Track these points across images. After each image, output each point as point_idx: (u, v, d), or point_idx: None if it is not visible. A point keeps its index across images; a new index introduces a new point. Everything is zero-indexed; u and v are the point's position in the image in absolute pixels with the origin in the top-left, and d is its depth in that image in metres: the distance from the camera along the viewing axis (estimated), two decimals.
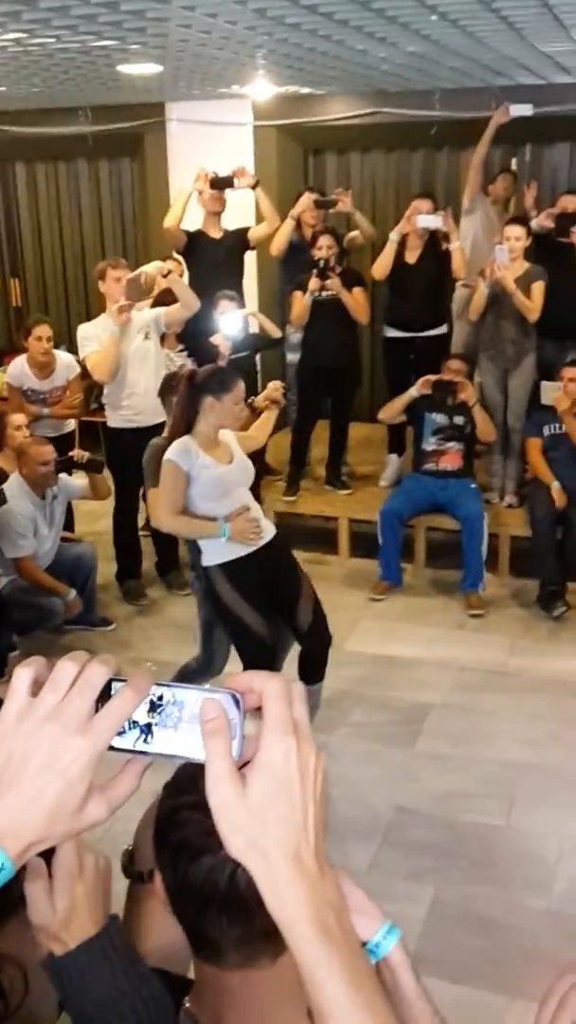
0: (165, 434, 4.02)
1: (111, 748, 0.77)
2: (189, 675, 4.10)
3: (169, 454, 3.74)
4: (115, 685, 0.77)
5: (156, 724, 0.78)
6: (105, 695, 0.76)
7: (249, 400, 4.11)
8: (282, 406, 4.48)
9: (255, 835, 0.74)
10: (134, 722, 0.78)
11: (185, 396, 3.79)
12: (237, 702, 0.77)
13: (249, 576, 3.79)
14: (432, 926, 3.26)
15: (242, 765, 0.76)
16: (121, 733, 0.77)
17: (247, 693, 0.77)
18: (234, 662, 4.07)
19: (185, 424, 3.78)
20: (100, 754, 0.76)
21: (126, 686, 0.76)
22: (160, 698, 0.78)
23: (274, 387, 4.35)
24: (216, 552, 3.79)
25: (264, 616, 3.83)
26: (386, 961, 1.23)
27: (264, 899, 0.75)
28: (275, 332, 6.03)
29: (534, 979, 2.99)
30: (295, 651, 4.11)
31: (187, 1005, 1.13)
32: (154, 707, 0.78)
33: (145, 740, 0.78)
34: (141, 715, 0.78)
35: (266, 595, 3.87)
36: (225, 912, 1.03)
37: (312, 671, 4.04)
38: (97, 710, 0.75)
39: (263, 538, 3.83)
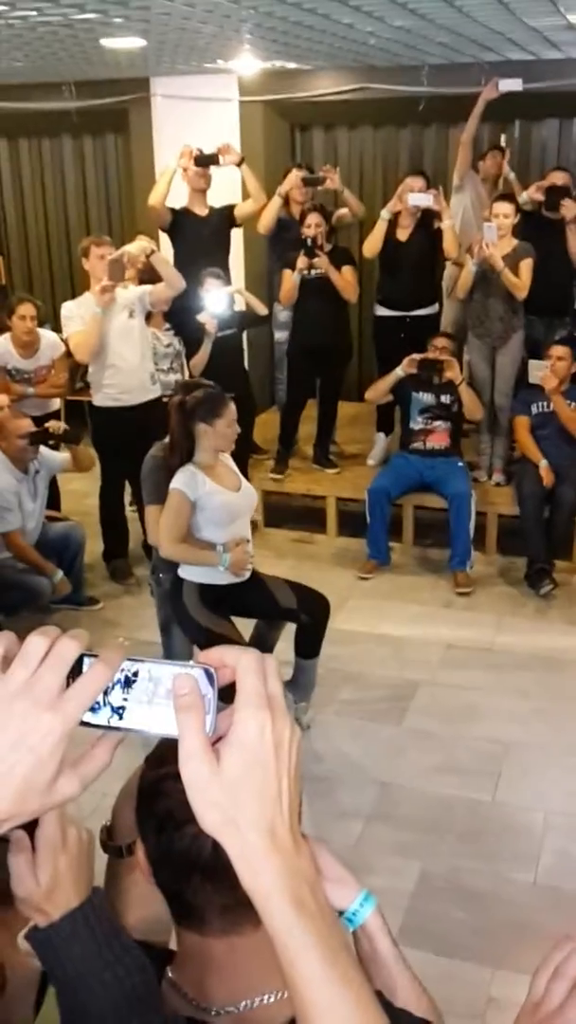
0: (158, 451, 3.99)
1: (85, 724, 0.76)
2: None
3: (176, 483, 3.73)
4: (87, 661, 0.76)
5: (130, 699, 0.77)
6: (77, 671, 0.75)
7: None
8: None
9: (229, 810, 0.74)
10: (107, 697, 0.77)
11: (178, 424, 3.77)
12: (211, 677, 0.76)
13: (222, 600, 3.86)
14: (419, 900, 3.29)
15: (216, 740, 0.75)
16: (95, 709, 0.76)
17: (221, 668, 0.77)
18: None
19: (184, 451, 3.77)
20: (72, 730, 0.75)
21: (97, 661, 0.75)
22: (135, 674, 0.77)
23: None
24: (198, 572, 3.82)
25: (228, 622, 3.89)
26: (364, 929, 1.25)
27: (238, 873, 0.75)
28: (261, 309, 6.00)
29: (519, 951, 3.03)
30: (289, 629, 4.12)
31: (169, 975, 1.14)
32: (128, 683, 0.77)
33: (119, 716, 0.77)
34: (115, 691, 0.77)
35: (237, 611, 3.95)
36: (209, 880, 1.03)
37: (307, 646, 4.06)
38: (69, 686, 0.74)
39: (248, 572, 3.86)
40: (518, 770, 3.96)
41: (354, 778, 3.93)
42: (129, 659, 0.77)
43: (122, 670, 0.77)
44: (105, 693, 0.77)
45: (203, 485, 3.73)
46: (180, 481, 3.72)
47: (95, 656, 0.76)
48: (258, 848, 0.74)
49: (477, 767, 3.99)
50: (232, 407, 3.81)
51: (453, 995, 2.75)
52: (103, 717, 0.77)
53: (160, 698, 0.76)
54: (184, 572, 3.87)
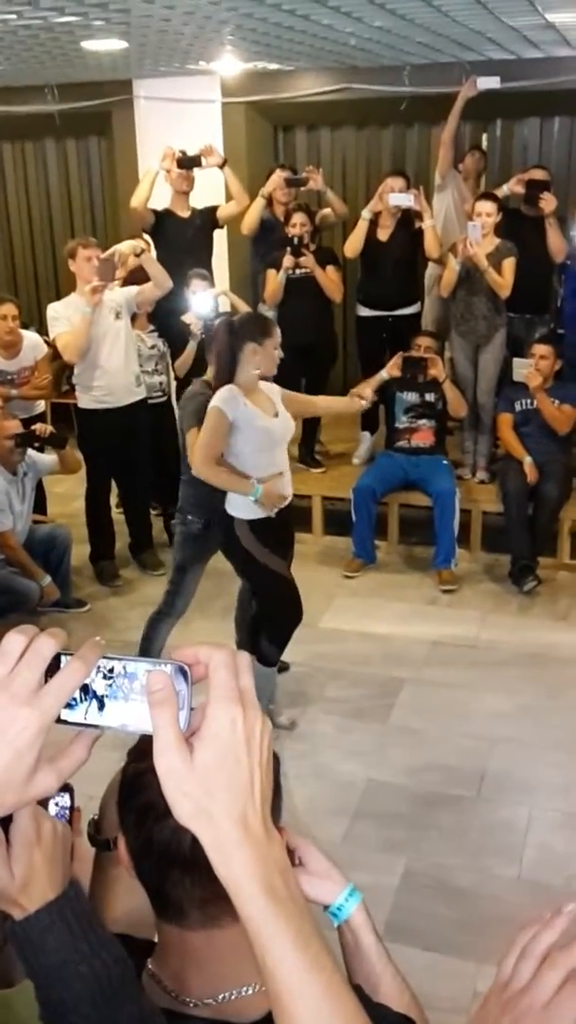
0: (199, 387, 4.08)
1: (63, 722, 0.78)
2: (156, 621, 4.32)
3: (216, 401, 3.74)
4: (64, 659, 0.78)
5: (106, 696, 0.79)
6: (55, 668, 0.77)
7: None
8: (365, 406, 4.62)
9: (202, 801, 0.76)
10: (85, 695, 0.79)
11: (225, 344, 3.79)
12: (185, 674, 0.78)
13: (271, 530, 3.90)
14: (404, 896, 3.31)
15: (190, 735, 0.77)
16: (72, 706, 0.78)
17: (195, 665, 0.79)
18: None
19: (228, 373, 3.79)
20: (49, 724, 0.77)
21: (74, 658, 0.78)
22: (111, 671, 0.79)
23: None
24: (244, 508, 3.85)
25: (284, 558, 4.01)
26: (348, 923, 1.26)
27: (212, 863, 0.77)
28: (246, 311, 6.00)
29: (504, 945, 3.05)
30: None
31: (149, 967, 1.16)
32: (104, 680, 0.79)
33: (95, 712, 0.79)
34: (91, 688, 0.79)
35: (284, 544, 4.05)
36: (188, 873, 1.05)
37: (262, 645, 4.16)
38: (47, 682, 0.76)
39: (287, 500, 3.93)
40: (503, 766, 3.98)
41: (340, 775, 3.95)
42: (105, 657, 0.79)
43: (98, 667, 0.79)
44: (83, 690, 0.78)
45: (242, 406, 3.74)
46: (219, 399, 3.73)
47: (72, 655, 0.78)
48: (231, 837, 0.76)
49: (462, 763, 4.01)
50: (278, 330, 3.89)
51: (438, 990, 2.78)
52: (80, 714, 0.79)
53: (135, 694, 0.78)
54: (233, 509, 3.88)
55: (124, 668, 0.79)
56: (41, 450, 5.18)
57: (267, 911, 0.76)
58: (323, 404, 4.80)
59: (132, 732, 0.79)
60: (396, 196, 5.84)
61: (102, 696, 0.79)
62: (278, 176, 6.30)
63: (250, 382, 3.80)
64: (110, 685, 0.79)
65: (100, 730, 0.80)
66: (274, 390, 3.95)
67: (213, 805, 0.76)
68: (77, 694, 0.78)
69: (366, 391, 4.56)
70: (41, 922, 1.05)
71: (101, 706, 0.79)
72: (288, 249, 5.82)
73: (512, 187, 5.86)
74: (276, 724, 4.15)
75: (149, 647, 4.32)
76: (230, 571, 4.22)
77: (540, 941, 1.01)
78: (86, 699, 0.79)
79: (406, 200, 5.83)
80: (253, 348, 3.75)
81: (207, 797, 0.76)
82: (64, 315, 5.27)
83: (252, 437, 3.77)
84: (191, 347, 5.65)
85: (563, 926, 1.00)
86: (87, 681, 0.79)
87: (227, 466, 3.80)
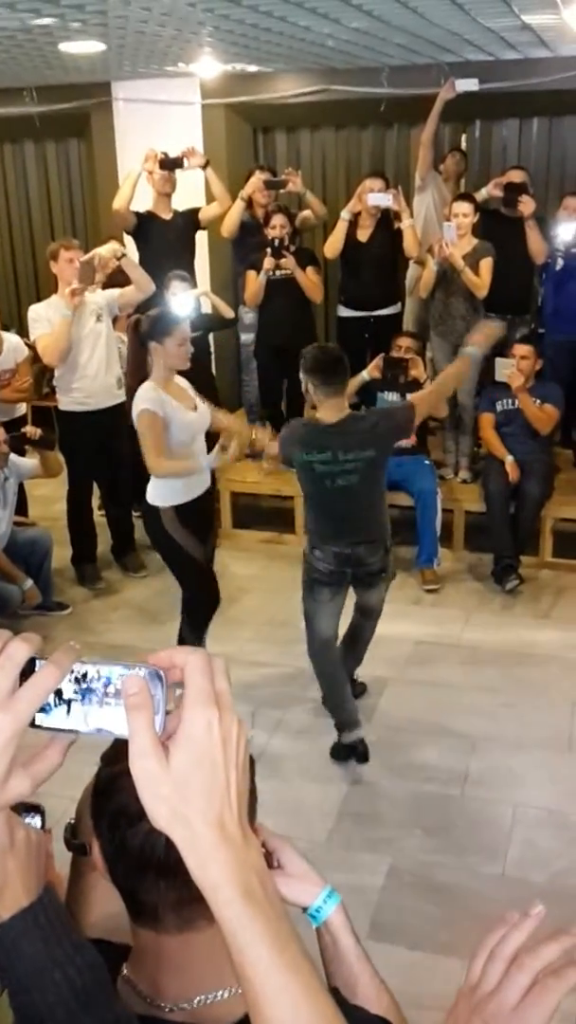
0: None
1: (37, 726, 0.78)
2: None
3: (143, 404, 3.89)
4: (38, 663, 0.77)
5: (81, 701, 0.79)
6: (29, 673, 0.77)
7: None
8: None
9: (178, 804, 0.75)
10: (59, 699, 0.79)
11: (133, 344, 4.04)
12: (160, 678, 0.78)
13: (192, 516, 4.08)
14: (389, 894, 3.31)
15: (166, 739, 0.77)
16: (47, 711, 0.78)
17: (170, 669, 0.79)
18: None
19: (140, 371, 3.99)
20: (21, 729, 0.76)
21: (47, 663, 0.77)
22: (85, 675, 0.79)
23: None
24: (167, 494, 4.01)
25: (204, 544, 4.23)
26: (327, 925, 1.26)
27: (188, 866, 0.77)
28: (228, 312, 6.01)
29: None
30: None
31: (124, 972, 1.15)
32: (79, 684, 0.79)
33: (70, 717, 0.79)
34: (66, 693, 0.79)
35: (204, 531, 4.26)
36: (163, 876, 1.04)
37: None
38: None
39: (206, 485, 4.13)
40: (486, 764, 4.00)
41: (324, 776, 3.95)
42: (80, 661, 0.79)
43: (73, 672, 0.78)
44: (58, 695, 0.78)
45: (167, 402, 3.92)
46: (146, 400, 3.89)
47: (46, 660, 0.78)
48: (207, 840, 0.76)
49: (446, 762, 4.02)
50: (184, 327, 4.05)
51: (422, 987, 2.77)
52: (55, 719, 0.79)
53: (110, 699, 0.78)
54: (154, 499, 4.04)
55: (99, 672, 0.79)
56: (22, 453, 5.17)
57: (244, 914, 0.76)
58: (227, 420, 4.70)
59: (107, 736, 0.79)
60: (375, 196, 5.85)
61: (77, 701, 0.79)
62: (257, 178, 6.30)
63: (164, 378, 3.97)
64: (85, 690, 0.79)
65: (75, 735, 0.80)
66: (185, 383, 4.13)
67: (189, 808, 0.76)
68: (52, 699, 0.78)
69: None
70: (15, 929, 1.05)
71: (76, 711, 0.79)
72: (268, 251, 5.83)
73: (491, 191, 5.89)
74: None
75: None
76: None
77: (508, 943, 1.01)
78: (61, 704, 0.79)
79: (385, 200, 5.85)
80: (155, 347, 3.93)
81: (183, 801, 0.76)
82: (45, 316, 5.25)
83: (178, 432, 3.94)
84: None
85: (531, 928, 1.01)
86: (61, 686, 0.78)
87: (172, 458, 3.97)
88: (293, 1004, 0.77)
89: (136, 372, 4.02)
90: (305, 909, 1.25)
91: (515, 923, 1.01)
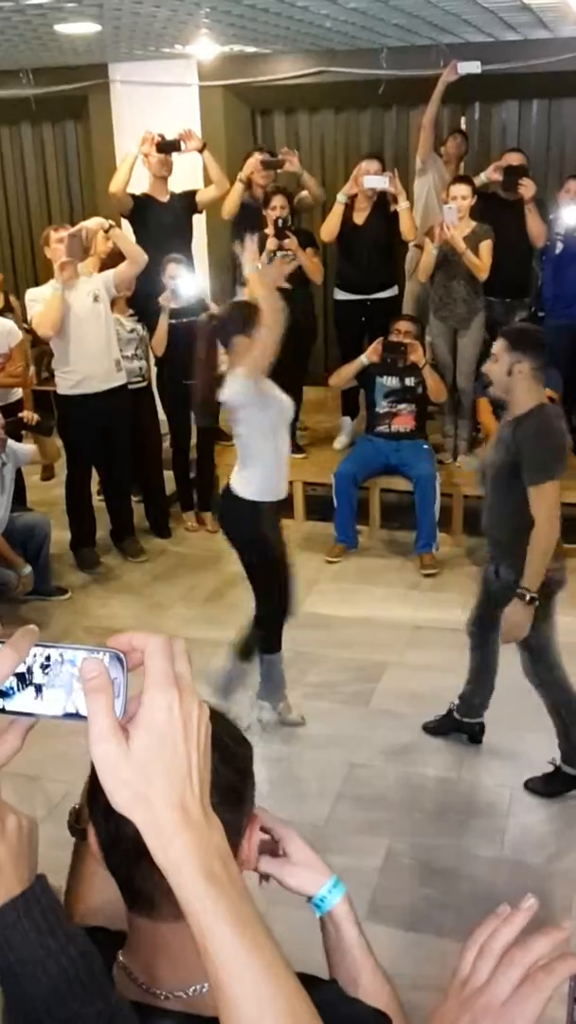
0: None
1: (0, 711, 0.78)
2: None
3: (275, 389, 3.78)
4: None
5: (43, 685, 0.79)
6: None
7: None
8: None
9: (140, 787, 0.76)
10: (22, 683, 0.79)
11: (209, 341, 3.83)
12: (121, 661, 0.78)
13: (276, 512, 3.91)
14: (386, 877, 3.33)
15: (127, 722, 0.77)
16: (9, 695, 0.78)
17: (130, 652, 0.78)
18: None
19: (214, 370, 3.82)
20: None
21: (5, 645, 0.77)
22: (48, 658, 0.79)
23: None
24: (264, 489, 3.78)
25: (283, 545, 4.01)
26: (331, 915, 1.26)
27: (150, 849, 0.77)
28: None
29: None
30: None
31: (120, 959, 1.15)
32: (42, 668, 0.79)
33: (32, 701, 0.79)
34: (28, 676, 0.78)
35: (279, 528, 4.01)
36: (157, 864, 1.04)
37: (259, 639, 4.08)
38: None
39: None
40: (484, 748, 4.01)
41: (322, 759, 3.96)
42: (39, 644, 0.79)
43: (35, 655, 0.78)
44: (20, 679, 0.78)
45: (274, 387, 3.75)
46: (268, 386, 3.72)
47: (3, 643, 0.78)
48: (169, 823, 0.76)
49: (444, 746, 4.03)
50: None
51: (421, 969, 2.79)
52: (16, 703, 0.79)
53: (73, 682, 0.78)
54: (253, 494, 3.77)
55: (61, 656, 0.79)
56: (19, 439, 5.16)
57: (206, 895, 0.76)
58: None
59: (69, 720, 0.79)
60: (371, 178, 5.82)
61: (39, 684, 0.79)
62: (254, 159, 6.27)
63: (258, 370, 3.64)
64: (47, 673, 0.79)
65: (35, 718, 0.80)
66: None
67: (151, 791, 0.76)
68: (13, 683, 0.78)
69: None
70: (7, 918, 1.04)
71: (38, 694, 0.79)
72: (272, 231, 5.80)
73: (490, 175, 5.85)
74: (287, 721, 4.14)
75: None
76: (204, 559, 4.20)
77: (498, 938, 1.01)
78: (23, 687, 0.79)
79: (381, 182, 5.82)
80: (243, 340, 3.64)
81: (144, 783, 0.76)
82: (42, 298, 5.23)
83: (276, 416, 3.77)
84: (163, 320, 5.63)
85: (522, 923, 1.00)
86: (23, 669, 0.78)
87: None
88: (256, 985, 0.77)
89: (210, 371, 3.78)
90: (309, 898, 1.25)
91: (506, 917, 1.01)
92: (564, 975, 0.93)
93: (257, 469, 3.77)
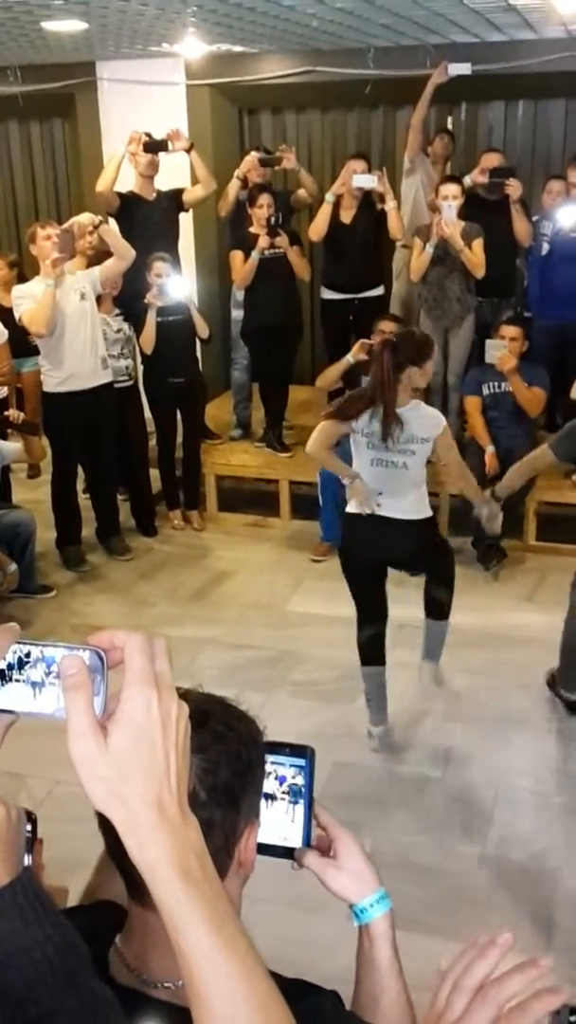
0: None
1: None
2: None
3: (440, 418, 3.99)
4: None
5: (22, 682, 0.79)
6: None
7: None
8: None
9: (117, 784, 0.76)
10: (1, 680, 0.79)
11: (388, 366, 3.76)
12: (101, 659, 0.78)
13: None
14: None
15: (106, 720, 0.77)
16: None
17: (111, 650, 0.79)
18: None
19: (395, 394, 3.79)
20: None
21: None
22: (27, 655, 0.79)
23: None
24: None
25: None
26: (369, 929, 1.24)
27: (126, 846, 0.77)
28: (204, 332, 5.91)
29: (468, 921, 3.08)
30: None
31: (117, 943, 1.16)
32: (21, 665, 0.79)
33: (11, 697, 0.79)
34: (7, 672, 0.79)
35: None
36: (133, 862, 1.05)
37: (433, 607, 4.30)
38: None
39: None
40: (469, 746, 4.02)
41: None
42: (19, 642, 0.79)
43: (15, 652, 0.78)
44: (0, 676, 0.78)
45: None
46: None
47: None
48: (146, 821, 0.76)
49: (429, 744, 4.04)
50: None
51: (405, 967, 2.80)
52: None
53: (52, 680, 0.78)
54: (428, 510, 4.12)
55: (42, 653, 0.79)
56: (5, 437, 5.14)
57: (181, 894, 0.76)
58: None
59: (49, 718, 0.79)
60: (359, 177, 5.83)
61: (18, 681, 0.79)
62: (252, 157, 6.29)
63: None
64: (26, 670, 0.79)
65: (15, 715, 0.80)
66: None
67: (128, 789, 0.76)
68: None
69: None
70: None
71: (18, 691, 0.79)
72: (266, 229, 5.81)
73: (475, 178, 5.86)
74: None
75: None
76: (190, 557, 4.20)
77: (472, 974, 1.00)
78: (2, 684, 0.79)
79: (369, 181, 5.83)
80: (415, 371, 3.77)
81: (122, 781, 0.76)
82: (30, 295, 5.22)
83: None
84: (151, 318, 5.62)
85: (496, 958, 1.00)
86: (2, 666, 0.78)
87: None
88: (229, 984, 0.77)
89: (392, 395, 3.75)
90: (351, 905, 1.23)
91: (481, 949, 1.01)
92: (539, 1014, 0.93)
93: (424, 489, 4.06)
